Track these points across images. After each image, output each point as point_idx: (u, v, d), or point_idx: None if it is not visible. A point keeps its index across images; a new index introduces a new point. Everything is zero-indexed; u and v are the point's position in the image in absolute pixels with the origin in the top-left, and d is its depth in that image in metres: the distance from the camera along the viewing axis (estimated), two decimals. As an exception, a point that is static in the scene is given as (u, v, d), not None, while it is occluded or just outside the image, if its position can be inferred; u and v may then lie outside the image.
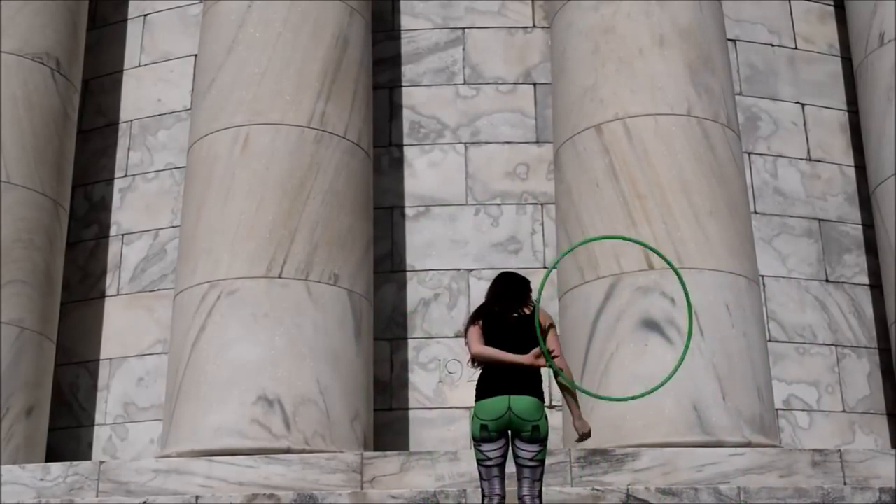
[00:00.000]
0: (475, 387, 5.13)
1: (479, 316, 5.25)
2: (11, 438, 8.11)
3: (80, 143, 9.72)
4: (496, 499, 4.97)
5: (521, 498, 5.00)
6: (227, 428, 7.16)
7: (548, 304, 8.79)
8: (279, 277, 7.50)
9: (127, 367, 9.23)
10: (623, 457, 6.68)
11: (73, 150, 9.29)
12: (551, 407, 8.48)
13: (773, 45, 9.79)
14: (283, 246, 7.57)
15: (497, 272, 8.78)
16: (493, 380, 5.06)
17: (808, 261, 9.21)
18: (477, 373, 5.20)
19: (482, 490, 5.01)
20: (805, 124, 9.63)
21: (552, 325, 5.27)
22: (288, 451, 7.09)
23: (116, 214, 9.73)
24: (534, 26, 9.66)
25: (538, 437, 5.00)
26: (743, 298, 7.57)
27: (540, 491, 5.02)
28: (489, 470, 4.98)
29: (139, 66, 10.13)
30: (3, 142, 8.56)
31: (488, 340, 5.14)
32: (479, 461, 5.02)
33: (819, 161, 9.56)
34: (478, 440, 4.99)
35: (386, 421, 8.54)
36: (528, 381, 5.07)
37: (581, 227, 7.80)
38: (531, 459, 4.99)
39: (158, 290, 9.32)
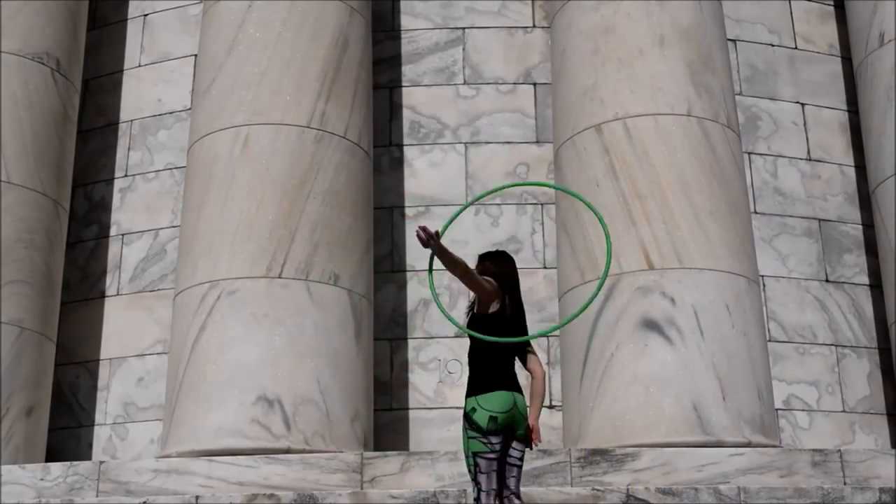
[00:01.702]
0: (471, 379, 5.11)
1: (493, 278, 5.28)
2: (11, 438, 8.11)
3: (80, 143, 9.72)
4: (493, 493, 4.98)
5: (508, 496, 5.02)
6: (228, 428, 7.16)
7: (547, 303, 8.82)
8: (279, 277, 7.51)
9: (127, 367, 9.23)
10: (623, 457, 6.68)
11: (73, 150, 9.29)
12: (551, 407, 8.49)
13: (773, 45, 9.79)
14: (283, 246, 7.57)
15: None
16: (493, 374, 5.07)
17: (808, 261, 9.21)
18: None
19: (479, 484, 4.98)
20: (805, 124, 9.64)
21: None
22: (288, 451, 7.09)
23: (116, 214, 9.73)
24: (534, 26, 9.66)
25: (527, 436, 5.11)
26: (743, 298, 7.57)
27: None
28: (490, 463, 4.98)
29: (139, 66, 10.13)
30: (3, 142, 8.56)
31: (490, 321, 5.17)
32: (479, 454, 4.98)
33: (819, 161, 9.56)
34: (486, 432, 4.97)
35: (386, 421, 8.54)
36: (516, 380, 5.16)
37: (581, 227, 7.80)
38: (520, 459, 5.09)
39: (158, 290, 9.33)
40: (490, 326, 5.18)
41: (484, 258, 5.49)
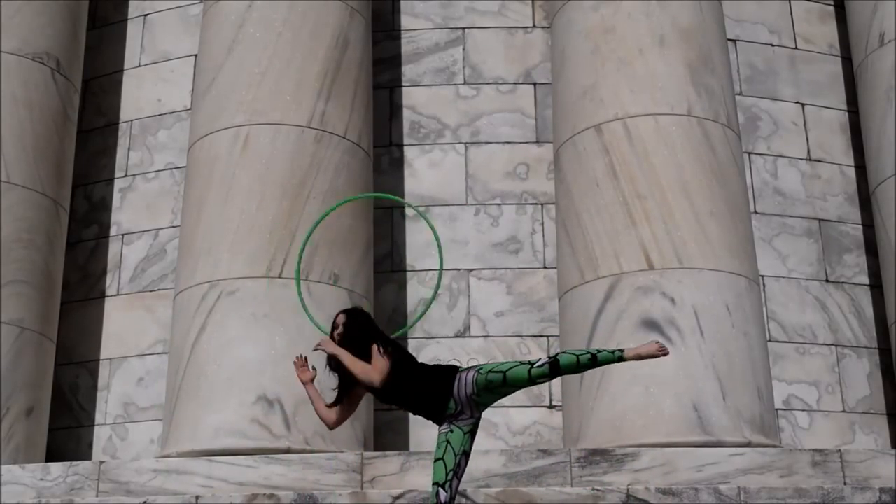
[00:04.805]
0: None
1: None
2: (11, 438, 8.11)
3: (80, 143, 9.72)
4: None
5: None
6: (228, 428, 7.17)
7: (547, 303, 8.81)
8: (279, 277, 7.51)
9: (127, 367, 9.23)
10: (623, 457, 6.68)
11: (73, 150, 9.29)
12: (551, 407, 8.50)
13: (773, 45, 9.79)
14: (283, 246, 7.57)
15: (498, 272, 8.86)
16: None
17: (808, 261, 9.21)
18: None
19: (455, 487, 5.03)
20: (805, 124, 9.63)
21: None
22: (288, 451, 7.09)
23: (116, 214, 9.73)
24: (534, 26, 9.66)
25: None
26: (743, 298, 7.57)
27: None
28: None
29: (139, 66, 10.13)
30: (3, 142, 8.56)
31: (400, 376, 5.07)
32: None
33: (819, 161, 9.56)
34: None
35: (386, 421, 8.54)
36: None
37: (581, 227, 7.81)
38: None
39: (158, 290, 9.32)
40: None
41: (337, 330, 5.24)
